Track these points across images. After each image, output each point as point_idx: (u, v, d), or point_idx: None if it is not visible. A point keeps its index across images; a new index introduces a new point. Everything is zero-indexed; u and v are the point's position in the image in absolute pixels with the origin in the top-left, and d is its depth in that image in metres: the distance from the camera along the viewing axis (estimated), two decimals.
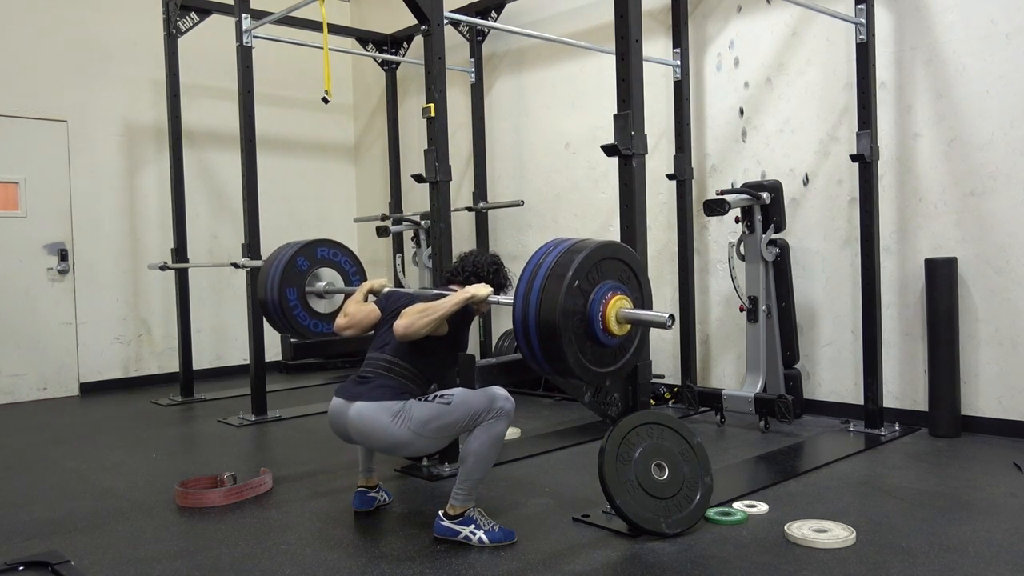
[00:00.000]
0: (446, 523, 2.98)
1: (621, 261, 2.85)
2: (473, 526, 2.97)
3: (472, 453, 2.95)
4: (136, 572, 2.83)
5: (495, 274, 3.23)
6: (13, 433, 5.24)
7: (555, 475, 3.90)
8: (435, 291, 3.19)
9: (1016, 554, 2.76)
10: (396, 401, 2.97)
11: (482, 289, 3.03)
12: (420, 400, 3.01)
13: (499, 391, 2.99)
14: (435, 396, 3.00)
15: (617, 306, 2.73)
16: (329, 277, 4.07)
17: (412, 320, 2.93)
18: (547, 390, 5.97)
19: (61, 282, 6.55)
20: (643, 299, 2.93)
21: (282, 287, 3.90)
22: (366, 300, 3.37)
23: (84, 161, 6.66)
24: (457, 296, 2.99)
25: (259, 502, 3.59)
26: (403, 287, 7.09)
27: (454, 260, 3.36)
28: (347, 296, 3.71)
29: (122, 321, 6.87)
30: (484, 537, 2.94)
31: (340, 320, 3.30)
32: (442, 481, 3.79)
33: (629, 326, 2.80)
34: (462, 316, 3.10)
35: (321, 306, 4.07)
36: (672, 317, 2.69)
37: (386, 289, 3.41)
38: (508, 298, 2.89)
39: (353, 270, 4.15)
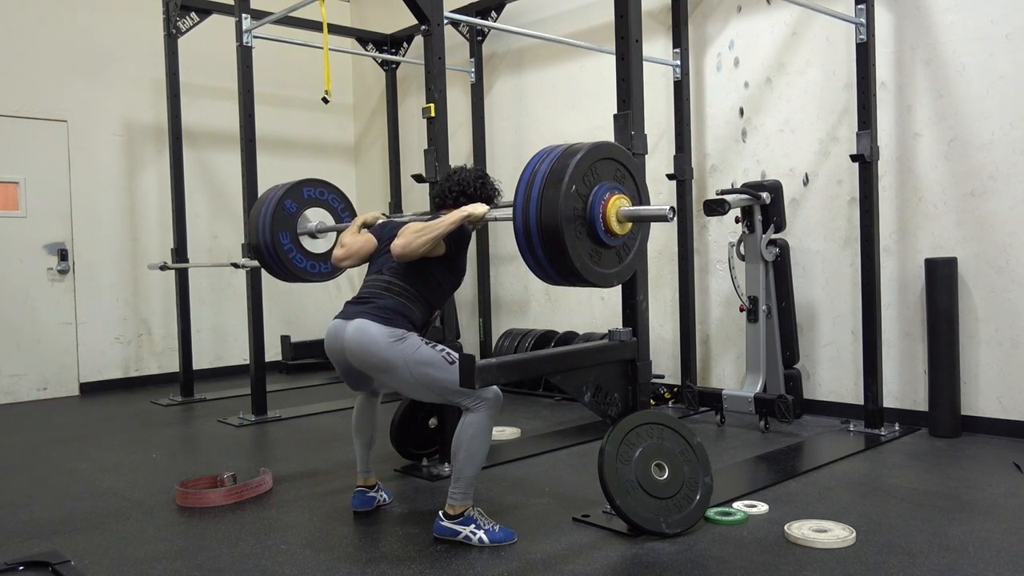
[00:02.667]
0: (446, 523, 2.98)
1: (616, 161, 2.84)
2: (473, 526, 2.96)
3: (462, 448, 2.93)
4: (136, 572, 2.83)
5: (482, 187, 3.20)
6: (13, 433, 5.24)
7: (555, 475, 3.90)
8: (429, 215, 3.19)
9: (1016, 554, 2.76)
10: (399, 329, 2.96)
11: (478, 208, 3.01)
12: (425, 341, 3.00)
13: (486, 393, 2.97)
14: (441, 348, 2.98)
15: (616, 205, 2.74)
16: (319, 217, 4.01)
17: (410, 239, 2.94)
18: (547, 390, 5.97)
19: (61, 282, 6.55)
20: (640, 197, 2.92)
21: (274, 231, 3.84)
22: (360, 232, 3.36)
23: (84, 161, 6.66)
24: (454, 215, 2.98)
25: (259, 502, 3.59)
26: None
27: (437, 185, 3.30)
28: (340, 232, 3.68)
29: (122, 321, 6.87)
30: (484, 537, 2.94)
31: (337, 252, 3.29)
32: (442, 481, 3.78)
33: (630, 224, 2.81)
34: (459, 236, 3.09)
35: (315, 246, 4.01)
36: (673, 209, 2.69)
37: (382, 219, 3.40)
38: (506, 212, 2.87)
39: (341, 207, 4.10)
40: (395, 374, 2.97)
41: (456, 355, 2.93)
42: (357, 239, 3.29)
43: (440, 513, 3.01)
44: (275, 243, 3.85)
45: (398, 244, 2.96)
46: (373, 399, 3.41)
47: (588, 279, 2.75)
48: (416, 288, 3.09)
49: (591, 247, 2.75)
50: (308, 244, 4.01)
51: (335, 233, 3.99)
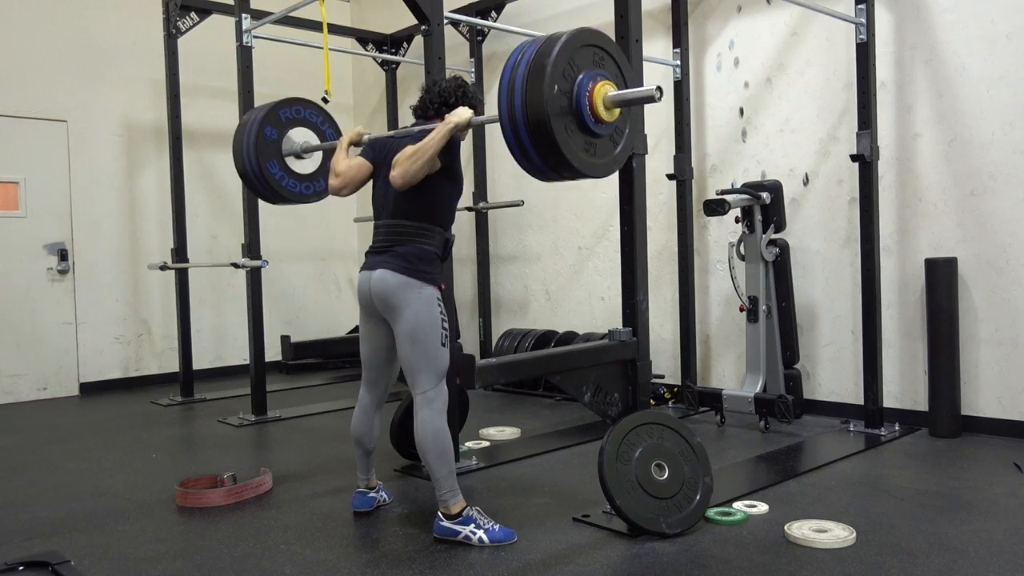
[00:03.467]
0: (445, 523, 2.99)
1: (596, 47, 2.78)
2: (473, 526, 2.97)
3: (428, 451, 2.98)
4: (136, 572, 2.83)
5: (463, 96, 3.16)
6: (13, 433, 5.24)
7: (555, 475, 3.90)
8: (418, 128, 3.13)
9: (1016, 554, 2.76)
10: (416, 280, 3.00)
11: (463, 113, 2.98)
12: (440, 308, 3.03)
13: (443, 388, 3.03)
14: (446, 327, 3.02)
15: (602, 92, 2.69)
16: (301, 136, 3.95)
17: (406, 167, 2.92)
18: (547, 390, 5.97)
19: (61, 282, 6.55)
20: (624, 80, 2.86)
21: (261, 162, 3.79)
22: (349, 153, 3.31)
23: (84, 161, 6.66)
24: (441, 130, 2.93)
25: (259, 502, 3.59)
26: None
27: (418, 100, 3.28)
28: (327, 152, 3.63)
29: (122, 321, 6.87)
30: (484, 537, 2.95)
31: (333, 182, 3.21)
32: None
33: (618, 110, 2.76)
34: (451, 145, 3.03)
35: (304, 167, 3.97)
36: (660, 89, 2.63)
37: (366, 137, 3.32)
38: (491, 116, 2.84)
39: (320, 119, 4.03)
40: (401, 318, 2.99)
41: (446, 342, 3.02)
42: (351, 166, 3.20)
43: (439, 513, 3.03)
44: (262, 169, 3.80)
45: (396, 175, 2.94)
46: (371, 409, 3.35)
47: (584, 171, 2.71)
48: (425, 218, 3.06)
49: (582, 138, 2.69)
50: (296, 165, 3.96)
51: (321, 152, 3.96)
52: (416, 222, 3.06)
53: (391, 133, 3.25)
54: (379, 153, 3.19)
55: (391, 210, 3.10)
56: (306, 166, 3.98)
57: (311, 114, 3.98)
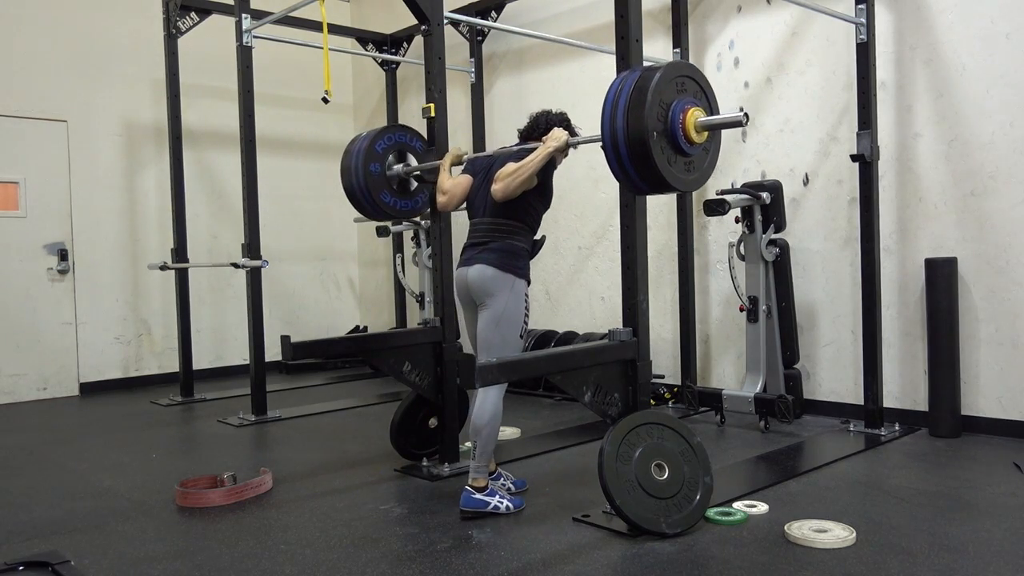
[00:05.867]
0: (477, 495, 3.26)
1: (688, 77, 3.00)
2: (498, 497, 3.29)
3: (486, 426, 3.30)
4: (136, 572, 2.83)
5: (567, 128, 3.49)
6: (13, 433, 5.24)
7: (555, 475, 3.90)
8: (517, 148, 3.46)
9: (1016, 554, 2.76)
10: (509, 274, 3.33)
11: (560, 135, 3.29)
12: (527, 296, 3.38)
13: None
14: (527, 320, 3.37)
15: (694, 117, 2.92)
16: (400, 160, 4.27)
17: (507, 183, 3.27)
18: (547, 390, 5.97)
19: (61, 282, 6.55)
20: (711, 107, 3.08)
21: (375, 196, 4.13)
22: (451, 172, 3.68)
23: (84, 161, 6.66)
24: (541, 152, 3.27)
25: (259, 502, 3.59)
26: (404, 282, 7.15)
27: (527, 122, 3.60)
28: (424, 171, 4.00)
29: (122, 321, 6.87)
30: (510, 505, 3.30)
31: (441, 199, 3.64)
32: (442, 481, 3.79)
33: (706, 133, 2.99)
34: (548, 166, 3.37)
35: (409, 184, 4.29)
36: (747, 114, 2.91)
37: (466, 156, 3.70)
38: (593, 135, 3.11)
39: (408, 137, 4.27)
40: (493, 304, 3.31)
41: (523, 333, 3.37)
42: (456, 184, 3.59)
43: (467, 487, 3.27)
44: (376, 201, 4.15)
45: (498, 189, 3.28)
46: None
47: (674, 186, 2.97)
48: (516, 219, 3.39)
49: (674, 158, 2.93)
50: (400, 185, 4.28)
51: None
52: (510, 220, 3.38)
53: (492, 152, 3.64)
54: (478, 167, 3.58)
55: (489, 211, 3.43)
56: (409, 183, 4.30)
57: (401, 136, 4.29)
